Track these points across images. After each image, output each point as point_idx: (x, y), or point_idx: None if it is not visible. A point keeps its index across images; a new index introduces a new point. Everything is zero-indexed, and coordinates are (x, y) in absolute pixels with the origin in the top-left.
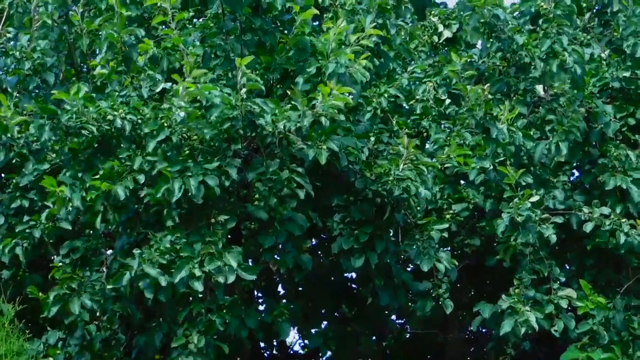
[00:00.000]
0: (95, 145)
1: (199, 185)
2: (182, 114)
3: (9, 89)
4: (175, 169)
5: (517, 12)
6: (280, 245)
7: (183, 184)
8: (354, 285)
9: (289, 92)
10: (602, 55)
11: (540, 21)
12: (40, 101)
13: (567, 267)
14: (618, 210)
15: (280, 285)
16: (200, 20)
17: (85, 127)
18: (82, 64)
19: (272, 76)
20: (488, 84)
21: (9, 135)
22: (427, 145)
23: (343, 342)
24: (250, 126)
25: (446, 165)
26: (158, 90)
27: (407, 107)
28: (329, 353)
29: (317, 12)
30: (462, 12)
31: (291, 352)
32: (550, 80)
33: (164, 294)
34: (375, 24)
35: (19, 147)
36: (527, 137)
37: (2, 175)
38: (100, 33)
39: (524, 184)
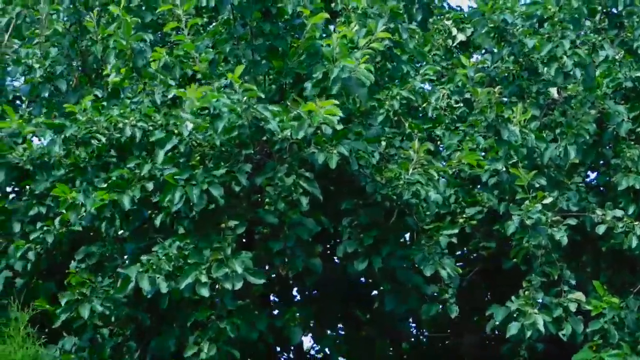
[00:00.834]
0: (106, 152)
1: (201, 194)
2: (190, 125)
3: (22, 97)
4: (183, 176)
5: (525, 16)
6: (289, 250)
7: (185, 193)
8: (365, 290)
9: (296, 98)
10: (617, 56)
11: (546, 24)
12: (53, 108)
13: (582, 269)
14: (631, 211)
15: (294, 290)
16: (212, 26)
17: (95, 136)
18: (96, 70)
19: (284, 81)
20: (499, 87)
21: (13, 154)
22: (441, 151)
23: (357, 346)
24: (259, 132)
25: (459, 169)
26: (170, 96)
27: (420, 109)
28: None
29: (327, 16)
30: (472, 17)
31: (309, 357)
32: (554, 84)
33: (166, 301)
34: (387, 27)
35: (25, 163)
36: (540, 139)
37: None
38: (110, 40)
39: (537, 185)
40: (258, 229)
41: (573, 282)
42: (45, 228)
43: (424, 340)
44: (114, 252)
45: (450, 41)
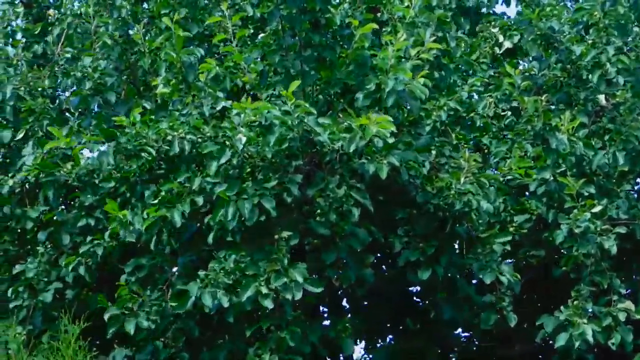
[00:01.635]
0: (156, 165)
1: (253, 209)
2: (244, 139)
3: (71, 109)
4: (233, 192)
5: (571, 22)
6: (342, 261)
7: (237, 208)
8: (417, 299)
9: (347, 109)
10: None
11: (591, 31)
12: (102, 120)
13: (632, 278)
14: None
15: (345, 300)
16: (260, 37)
17: (145, 149)
18: (145, 83)
19: (332, 91)
20: (546, 95)
21: (62, 171)
22: (490, 159)
23: (407, 357)
24: (309, 144)
25: (508, 178)
26: (219, 108)
27: (467, 120)
28: None
29: (376, 26)
30: (519, 24)
31: None
32: (599, 91)
33: (231, 315)
34: (434, 37)
35: (73, 180)
36: (588, 147)
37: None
38: (160, 53)
39: (586, 194)
40: (308, 240)
41: (622, 291)
42: (95, 242)
43: (474, 349)
44: (164, 264)
45: (497, 49)
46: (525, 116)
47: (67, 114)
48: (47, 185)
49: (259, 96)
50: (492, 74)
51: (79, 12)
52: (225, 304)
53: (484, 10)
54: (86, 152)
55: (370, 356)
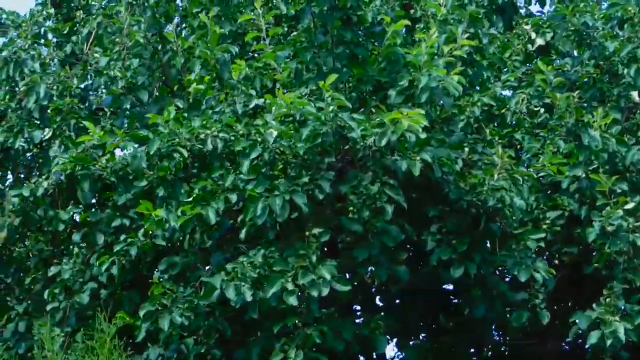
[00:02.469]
0: (190, 164)
1: (284, 204)
2: (274, 133)
3: (104, 109)
4: (262, 189)
5: (604, 18)
6: (374, 258)
7: (267, 205)
8: (451, 297)
9: (380, 106)
10: None
11: (626, 26)
12: (134, 119)
13: None
14: None
15: (378, 298)
16: (292, 34)
17: (177, 149)
18: (178, 81)
19: (364, 88)
20: (578, 91)
21: (97, 165)
22: (522, 156)
23: (440, 354)
24: (341, 140)
25: (541, 174)
26: (251, 106)
27: (499, 115)
28: None
29: (408, 23)
30: (552, 21)
31: None
32: (635, 87)
33: (255, 310)
34: (467, 34)
35: (109, 175)
36: (621, 144)
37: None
38: (194, 50)
39: (618, 191)
40: (341, 237)
41: None
42: (129, 240)
43: (507, 347)
44: (197, 261)
45: (529, 46)
46: (558, 113)
47: (100, 113)
48: (82, 179)
49: (295, 93)
50: (525, 71)
51: (109, 12)
52: (249, 298)
53: (521, 8)
54: (118, 152)
55: (402, 354)
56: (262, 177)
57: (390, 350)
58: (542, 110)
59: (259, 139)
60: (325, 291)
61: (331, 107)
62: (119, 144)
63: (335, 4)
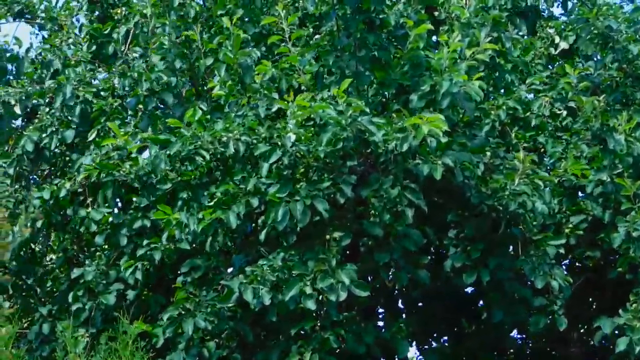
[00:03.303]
0: (210, 168)
1: (305, 210)
2: (293, 137)
3: (129, 110)
4: (284, 193)
5: (627, 22)
6: (395, 262)
7: (289, 210)
8: (472, 301)
9: (402, 110)
10: None
11: None
12: (157, 120)
13: None
14: None
15: (399, 302)
16: (316, 37)
17: (199, 152)
18: (202, 84)
19: (387, 91)
20: (604, 95)
21: (121, 171)
22: (545, 160)
23: (461, 358)
24: (363, 144)
25: (564, 178)
26: (274, 110)
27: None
28: None
29: (430, 27)
30: (575, 24)
31: None
32: None
33: (274, 313)
34: (490, 37)
35: (132, 180)
36: None
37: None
38: (218, 53)
39: None
40: (362, 241)
41: None
42: (152, 245)
43: (528, 351)
44: (219, 264)
45: (552, 49)
46: (583, 116)
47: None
48: (107, 186)
49: (314, 97)
50: (548, 74)
51: (144, 11)
52: (267, 302)
53: (543, 12)
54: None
55: (423, 358)
56: (283, 181)
57: (411, 353)
58: (565, 113)
59: (279, 143)
60: (343, 296)
61: (349, 112)
62: (141, 147)
63: (359, 7)
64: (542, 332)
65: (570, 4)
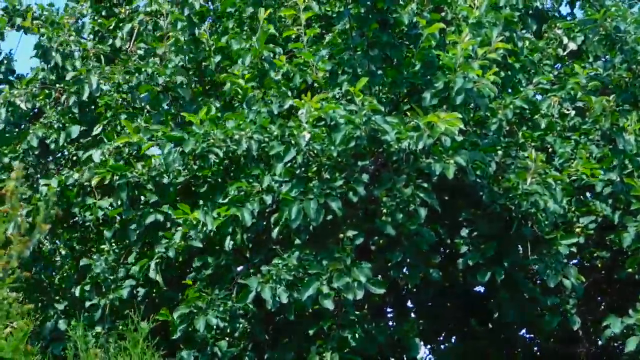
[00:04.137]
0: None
1: (318, 209)
2: (308, 136)
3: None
4: (296, 192)
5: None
6: (407, 260)
7: (302, 209)
8: (483, 300)
9: (415, 108)
10: None
11: None
12: (169, 119)
13: None
14: None
15: (410, 301)
16: (329, 35)
17: (212, 150)
18: (211, 81)
19: (399, 91)
20: (613, 95)
21: (135, 172)
22: (554, 160)
23: (472, 357)
24: (376, 143)
25: (573, 178)
26: (287, 107)
27: (531, 118)
28: None
29: (443, 26)
30: (583, 25)
31: None
32: None
33: (292, 313)
34: (502, 36)
35: (145, 182)
36: None
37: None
38: (229, 50)
39: None
40: (374, 239)
41: None
42: (164, 242)
43: (539, 350)
44: (230, 262)
45: (560, 50)
46: (593, 116)
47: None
48: (120, 189)
49: (327, 95)
50: (556, 74)
51: (149, 9)
52: (284, 300)
53: (550, 12)
54: (153, 150)
55: (434, 357)
56: (296, 179)
57: (422, 353)
58: (574, 113)
59: (293, 142)
60: (360, 294)
61: (364, 111)
62: (154, 144)
63: (372, 6)
64: (554, 331)
65: (577, 4)
